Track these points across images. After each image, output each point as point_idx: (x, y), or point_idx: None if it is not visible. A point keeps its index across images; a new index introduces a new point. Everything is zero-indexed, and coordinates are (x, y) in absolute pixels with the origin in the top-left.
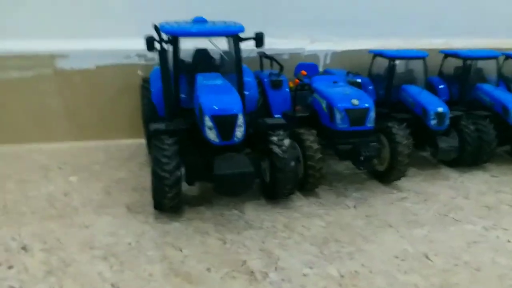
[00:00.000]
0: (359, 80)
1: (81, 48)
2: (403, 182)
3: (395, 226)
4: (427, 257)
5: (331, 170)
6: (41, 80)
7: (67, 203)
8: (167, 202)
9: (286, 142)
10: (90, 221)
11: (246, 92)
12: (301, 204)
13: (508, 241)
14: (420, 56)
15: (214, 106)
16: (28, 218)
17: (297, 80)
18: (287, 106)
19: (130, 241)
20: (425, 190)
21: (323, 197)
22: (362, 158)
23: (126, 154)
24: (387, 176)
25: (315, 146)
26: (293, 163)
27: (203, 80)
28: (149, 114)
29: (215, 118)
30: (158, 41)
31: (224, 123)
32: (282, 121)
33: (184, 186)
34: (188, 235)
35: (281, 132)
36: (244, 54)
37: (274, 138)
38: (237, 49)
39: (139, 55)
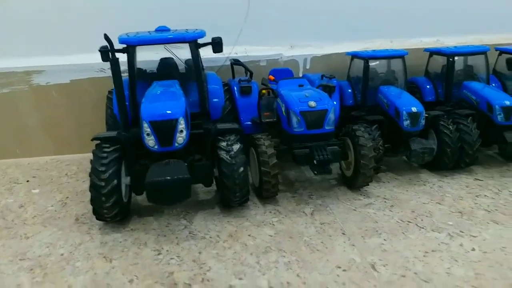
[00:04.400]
0: (333, 84)
1: (56, 63)
2: (374, 188)
3: (349, 235)
4: (373, 267)
5: (301, 177)
6: (18, 96)
7: (18, 214)
8: (106, 212)
9: (236, 147)
10: (33, 232)
11: (215, 100)
12: (256, 212)
13: (473, 249)
14: (398, 55)
15: (152, 112)
16: None
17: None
18: (256, 112)
19: (63, 252)
20: (396, 196)
21: (282, 204)
22: (315, 162)
23: None
24: (353, 181)
25: (270, 151)
26: (242, 169)
27: (154, 88)
28: (112, 125)
29: (153, 124)
30: (111, 51)
31: (163, 129)
32: (233, 126)
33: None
34: (125, 246)
35: (231, 137)
36: (219, 63)
37: (223, 144)
38: (195, 56)
39: None
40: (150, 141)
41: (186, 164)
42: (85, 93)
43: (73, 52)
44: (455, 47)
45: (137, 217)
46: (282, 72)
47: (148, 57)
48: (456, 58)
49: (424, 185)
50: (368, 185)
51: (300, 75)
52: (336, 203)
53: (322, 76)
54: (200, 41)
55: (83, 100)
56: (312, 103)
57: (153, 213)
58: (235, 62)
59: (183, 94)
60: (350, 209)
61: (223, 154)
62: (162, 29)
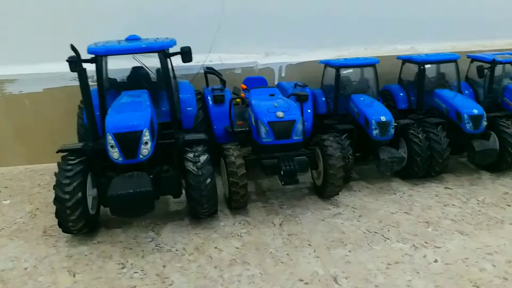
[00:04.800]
0: (305, 92)
1: (29, 72)
2: (344, 197)
3: (315, 246)
4: (335, 280)
5: (274, 186)
6: None
7: None
8: (71, 225)
9: (203, 158)
10: None
11: (187, 108)
12: (225, 223)
13: (435, 261)
14: (369, 63)
15: (115, 123)
16: None
17: (242, 95)
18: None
19: (27, 266)
20: (366, 205)
21: (252, 214)
22: (282, 172)
23: None
24: (323, 190)
25: (239, 161)
26: (209, 181)
27: (121, 98)
28: (83, 135)
29: (117, 136)
30: (78, 62)
31: (127, 141)
32: (201, 136)
33: None
34: (90, 259)
35: (199, 148)
36: (194, 70)
37: (190, 155)
38: (164, 65)
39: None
40: (114, 153)
41: (151, 176)
42: (58, 102)
43: (46, 61)
44: (426, 55)
45: (105, 229)
46: (256, 81)
47: (123, 65)
48: (427, 66)
49: (394, 194)
50: (338, 194)
51: (276, 83)
52: (305, 213)
53: (295, 84)
54: (172, 49)
55: (57, 109)
56: (280, 114)
57: (122, 225)
58: (209, 70)
59: (150, 105)
60: (319, 219)
61: (189, 166)
62: (132, 38)
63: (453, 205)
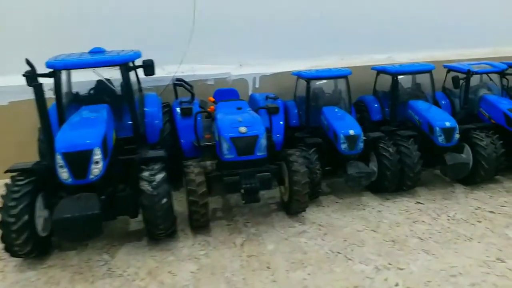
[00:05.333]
0: (276, 105)
1: None
2: (312, 213)
3: (274, 268)
4: None
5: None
6: None
7: None
8: (18, 249)
9: (159, 177)
10: None
11: (153, 122)
12: (184, 244)
13: (396, 284)
14: (341, 75)
15: (64, 142)
16: None
17: (212, 107)
18: (198, 135)
19: None
20: (332, 222)
21: (214, 234)
22: (242, 190)
23: None
24: (289, 207)
25: (199, 179)
26: (165, 200)
27: (78, 114)
28: (43, 151)
29: (66, 156)
30: (34, 76)
31: (76, 160)
32: (158, 153)
33: None
34: (36, 286)
35: (155, 166)
36: (166, 82)
37: (146, 174)
38: (126, 78)
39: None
40: (64, 173)
41: (103, 197)
42: (24, 116)
43: (12, 73)
44: (400, 65)
45: (58, 251)
46: (227, 93)
47: (92, 77)
48: (400, 77)
49: (364, 209)
50: (304, 210)
51: (249, 94)
52: (270, 232)
53: (266, 96)
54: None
55: (23, 122)
56: (243, 129)
57: (76, 246)
58: (178, 82)
59: (106, 120)
60: (282, 239)
61: (144, 185)
62: (96, 51)
63: (423, 221)
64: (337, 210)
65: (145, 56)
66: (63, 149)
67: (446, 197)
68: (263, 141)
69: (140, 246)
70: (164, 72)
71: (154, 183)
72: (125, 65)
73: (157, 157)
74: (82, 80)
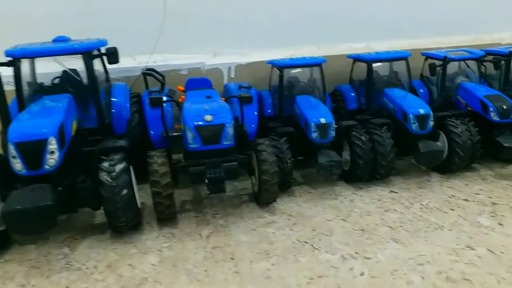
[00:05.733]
0: (249, 94)
1: None
2: (283, 203)
3: (238, 259)
4: None
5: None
6: None
7: None
8: None
9: (119, 167)
10: None
11: (119, 113)
12: (148, 237)
13: (362, 273)
14: (315, 63)
15: (17, 132)
16: None
17: (182, 97)
18: (167, 125)
19: None
20: (303, 212)
21: (181, 226)
22: (206, 181)
23: None
24: (259, 197)
25: (163, 169)
26: (125, 192)
27: (37, 103)
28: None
29: (19, 146)
30: None
31: (30, 151)
32: (118, 143)
33: None
34: None
35: (115, 157)
36: (137, 72)
37: (105, 164)
38: (89, 68)
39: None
40: (17, 164)
41: (59, 188)
42: None
43: None
44: (376, 53)
45: (18, 245)
46: (199, 82)
47: (57, 68)
48: (377, 64)
49: (336, 199)
50: (275, 201)
51: (224, 84)
52: (238, 223)
53: (240, 86)
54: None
55: None
56: (208, 117)
57: (37, 240)
58: (148, 71)
59: (65, 110)
60: (250, 229)
61: (103, 176)
62: (60, 40)
63: (395, 210)
64: (309, 200)
65: (117, 47)
66: (15, 138)
67: (421, 185)
68: (229, 130)
69: (103, 239)
70: (135, 62)
71: (114, 173)
72: (88, 54)
73: (117, 147)
74: (50, 71)
